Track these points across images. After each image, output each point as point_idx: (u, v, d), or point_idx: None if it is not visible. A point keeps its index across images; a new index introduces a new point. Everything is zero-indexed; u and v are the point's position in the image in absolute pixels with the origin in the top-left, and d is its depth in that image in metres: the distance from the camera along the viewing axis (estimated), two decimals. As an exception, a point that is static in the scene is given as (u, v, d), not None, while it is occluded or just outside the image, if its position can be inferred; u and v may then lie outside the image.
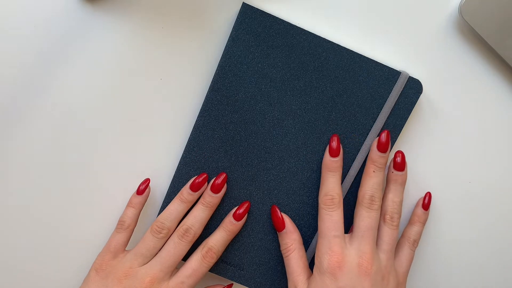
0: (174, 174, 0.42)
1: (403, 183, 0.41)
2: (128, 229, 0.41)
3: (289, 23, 0.40)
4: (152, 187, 0.43)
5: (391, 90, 0.41)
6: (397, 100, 0.41)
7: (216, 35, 0.42)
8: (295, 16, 0.42)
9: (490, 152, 0.44)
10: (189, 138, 0.42)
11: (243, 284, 0.43)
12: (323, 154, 0.42)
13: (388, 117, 0.41)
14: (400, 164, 0.40)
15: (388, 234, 0.40)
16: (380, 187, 0.40)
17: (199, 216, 0.40)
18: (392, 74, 0.41)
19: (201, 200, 0.41)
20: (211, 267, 0.43)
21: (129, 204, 0.42)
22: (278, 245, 0.43)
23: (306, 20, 0.42)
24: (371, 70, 0.41)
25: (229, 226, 0.41)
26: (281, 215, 0.42)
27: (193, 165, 0.42)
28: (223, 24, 0.42)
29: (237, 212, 0.41)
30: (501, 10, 0.40)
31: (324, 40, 0.40)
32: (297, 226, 0.42)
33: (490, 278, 0.46)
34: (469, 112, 0.43)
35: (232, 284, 0.44)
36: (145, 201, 0.42)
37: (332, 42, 0.41)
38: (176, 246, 0.40)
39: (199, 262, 0.40)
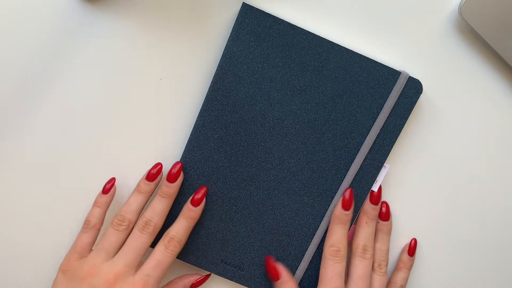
0: (174, 174, 0.42)
1: (389, 231, 0.43)
2: (93, 228, 0.41)
3: (289, 23, 0.40)
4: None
5: (391, 90, 0.41)
6: (397, 100, 0.41)
7: (216, 35, 0.42)
8: (295, 16, 0.42)
9: (490, 152, 0.44)
10: (189, 138, 0.42)
11: (243, 284, 0.43)
12: (323, 155, 0.42)
13: (388, 117, 0.41)
14: (385, 214, 0.43)
15: (377, 281, 0.42)
16: (372, 237, 0.42)
17: (157, 207, 0.40)
18: (392, 74, 0.41)
19: (158, 191, 0.41)
20: (213, 269, 0.43)
21: (94, 204, 0.41)
22: (277, 246, 0.43)
23: (306, 20, 0.42)
24: (371, 70, 0.41)
25: (187, 213, 0.41)
26: (275, 265, 0.42)
27: (193, 165, 0.42)
28: (223, 24, 0.42)
29: (195, 197, 0.41)
30: (501, 10, 0.40)
31: (324, 40, 0.40)
32: (297, 227, 0.42)
33: (491, 275, 0.46)
34: (469, 112, 0.43)
35: (210, 274, 0.44)
36: (111, 200, 0.42)
37: (332, 42, 0.41)
38: (137, 239, 0.39)
39: (162, 252, 0.39)
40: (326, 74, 0.41)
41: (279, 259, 0.43)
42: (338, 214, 0.41)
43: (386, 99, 0.41)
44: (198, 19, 0.42)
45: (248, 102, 0.41)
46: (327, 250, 0.41)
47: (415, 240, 0.44)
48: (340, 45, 0.41)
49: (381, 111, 0.41)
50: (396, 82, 0.41)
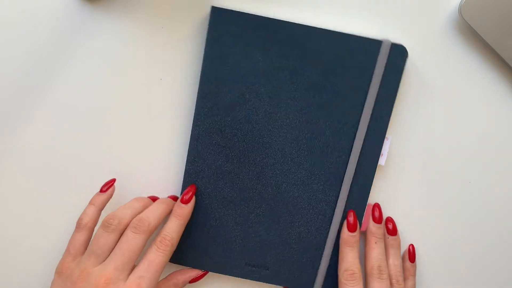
0: (182, 189, 0.42)
1: (399, 246, 0.44)
2: (86, 227, 0.40)
3: (262, 16, 0.40)
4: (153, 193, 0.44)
5: (376, 61, 0.40)
6: (384, 69, 0.40)
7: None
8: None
9: (491, 152, 0.43)
10: (188, 149, 0.42)
11: (270, 283, 0.43)
12: (323, 139, 0.41)
13: (379, 88, 0.40)
14: (393, 230, 0.44)
15: None
16: (384, 256, 0.42)
17: (155, 209, 0.40)
18: (374, 45, 0.40)
19: (158, 199, 0.42)
20: (238, 273, 0.43)
21: (90, 202, 0.41)
22: (297, 238, 0.42)
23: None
24: (352, 45, 0.40)
25: (178, 211, 0.41)
26: None
27: (198, 175, 0.42)
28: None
29: (184, 198, 0.41)
30: (501, 10, 0.39)
31: (299, 26, 0.40)
32: (312, 215, 0.42)
33: (492, 275, 0.45)
34: (468, 112, 0.43)
35: (207, 272, 0.44)
36: (108, 200, 0.41)
37: (308, 26, 0.40)
38: (129, 240, 0.38)
39: (154, 252, 0.38)
40: (309, 59, 0.41)
41: (301, 251, 0.43)
42: (345, 238, 0.42)
43: (373, 71, 0.40)
44: (198, 18, 0.42)
45: (238, 103, 0.41)
46: (342, 275, 0.41)
47: (412, 245, 0.44)
48: (315, 27, 0.40)
49: (371, 84, 0.40)
50: (379, 51, 0.40)
